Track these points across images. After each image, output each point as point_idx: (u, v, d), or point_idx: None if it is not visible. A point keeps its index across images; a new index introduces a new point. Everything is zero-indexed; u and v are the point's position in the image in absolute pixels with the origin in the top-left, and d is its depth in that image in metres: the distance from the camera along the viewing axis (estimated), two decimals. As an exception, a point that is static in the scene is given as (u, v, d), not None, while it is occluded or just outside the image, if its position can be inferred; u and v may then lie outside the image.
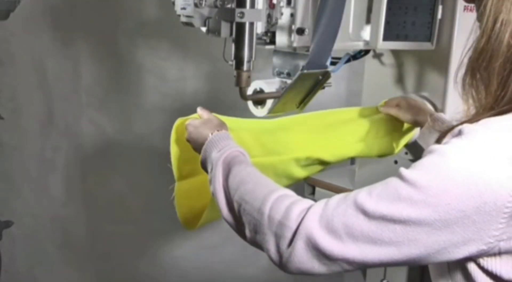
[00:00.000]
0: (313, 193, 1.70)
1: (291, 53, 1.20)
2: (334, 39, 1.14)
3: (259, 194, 0.85)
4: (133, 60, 2.20)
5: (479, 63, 0.77)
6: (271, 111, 1.22)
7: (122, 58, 2.23)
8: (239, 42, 1.09)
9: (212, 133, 1.04)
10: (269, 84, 1.21)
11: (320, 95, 1.24)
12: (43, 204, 2.57)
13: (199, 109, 1.13)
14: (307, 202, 0.82)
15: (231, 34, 1.10)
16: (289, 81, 1.19)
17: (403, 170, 0.75)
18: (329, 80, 1.19)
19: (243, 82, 1.12)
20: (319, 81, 1.19)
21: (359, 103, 1.54)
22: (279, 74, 1.22)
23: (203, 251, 2.37)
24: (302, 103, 1.23)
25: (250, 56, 1.10)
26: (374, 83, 1.49)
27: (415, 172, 0.73)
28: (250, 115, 1.25)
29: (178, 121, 1.14)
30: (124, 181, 2.35)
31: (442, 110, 1.37)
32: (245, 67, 1.10)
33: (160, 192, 2.17)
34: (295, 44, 1.16)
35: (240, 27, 1.08)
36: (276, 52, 1.23)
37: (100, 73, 2.29)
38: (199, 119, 1.10)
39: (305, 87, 1.19)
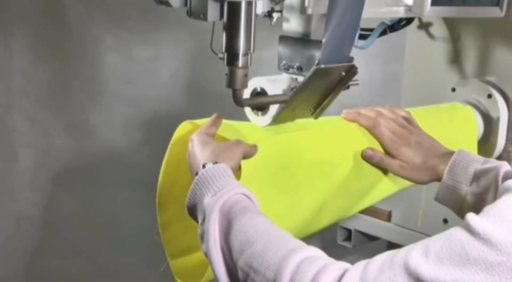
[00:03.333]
0: (349, 238, 1.50)
1: (303, 40, 0.98)
2: (359, 16, 0.93)
3: (273, 258, 0.72)
4: (86, 33, 1.95)
5: None
6: (276, 119, 1.00)
7: (70, 29, 1.97)
8: (232, 28, 0.90)
9: (204, 166, 0.86)
10: (274, 83, 1.00)
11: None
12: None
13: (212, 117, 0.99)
14: (340, 267, 0.69)
15: (221, 17, 0.91)
16: (300, 78, 0.99)
17: (471, 218, 0.64)
18: (356, 77, 0.98)
19: (238, 83, 0.94)
20: (342, 79, 0.97)
21: (398, 91, 1.37)
22: (287, 68, 1.02)
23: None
24: (319, 108, 1.01)
25: (248, 48, 0.91)
26: (420, 64, 1.34)
27: (488, 221, 0.64)
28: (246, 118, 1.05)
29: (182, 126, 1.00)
30: (69, 196, 2.04)
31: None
32: (240, 62, 0.92)
33: (121, 209, 1.92)
34: (309, 11, 0.95)
35: (234, 7, 0.89)
36: (283, 38, 1.01)
37: (39, 50, 2.00)
38: (204, 133, 0.94)
39: (322, 87, 0.98)
